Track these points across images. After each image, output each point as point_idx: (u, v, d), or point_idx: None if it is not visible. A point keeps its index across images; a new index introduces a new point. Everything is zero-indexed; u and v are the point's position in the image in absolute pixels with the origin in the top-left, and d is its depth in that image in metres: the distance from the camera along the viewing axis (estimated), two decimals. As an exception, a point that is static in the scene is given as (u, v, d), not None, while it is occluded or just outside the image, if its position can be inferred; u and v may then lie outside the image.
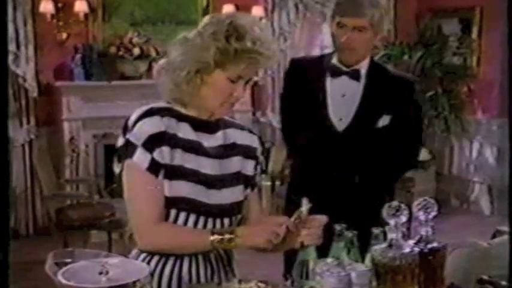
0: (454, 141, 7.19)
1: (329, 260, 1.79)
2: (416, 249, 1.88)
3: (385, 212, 1.84)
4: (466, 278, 2.26)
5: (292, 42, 7.03)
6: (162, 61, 2.03)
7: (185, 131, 1.98)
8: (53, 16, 6.04)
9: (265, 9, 6.85)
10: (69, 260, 1.76)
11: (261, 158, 2.17)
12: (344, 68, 2.78)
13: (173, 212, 1.97)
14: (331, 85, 2.79)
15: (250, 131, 2.17)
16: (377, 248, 1.85)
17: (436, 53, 6.97)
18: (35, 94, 6.01)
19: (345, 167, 2.77)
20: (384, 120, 2.75)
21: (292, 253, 2.48)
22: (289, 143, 3.00)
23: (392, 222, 1.82)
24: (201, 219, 1.99)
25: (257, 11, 6.76)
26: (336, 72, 2.79)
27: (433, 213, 1.91)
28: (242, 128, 2.15)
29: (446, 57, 7.05)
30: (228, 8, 6.58)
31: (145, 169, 1.90)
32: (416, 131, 2.90)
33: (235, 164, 2.08)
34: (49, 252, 1.79)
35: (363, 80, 2.78)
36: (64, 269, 1.71)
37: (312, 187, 2.71)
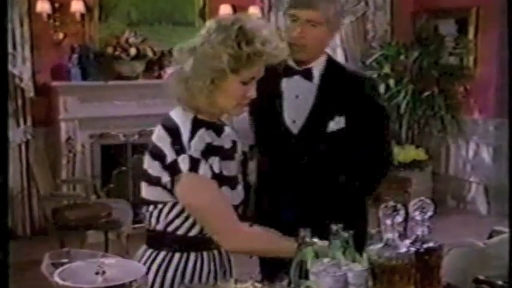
0: (450, 142, 7.20)
1: (325, 260, 1.79)
2: (413, 249, 1.88)
3: (381, 212, 1.84)
4: (462, 278, 2.27)
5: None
6: (171, 69, 2.04)
7: (213, 138, 2.03)
8: (49, 16, 6.04)
9: (262, 9, 6.85)
10: (65, 260, 1.76)
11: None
12: (297, 68, 2.66)
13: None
14: (286, 86, 2.68)
15: (232, 126, 2.23)
16: (373, 248, 1.85)
17: (432, 53, 6.98)
18: (32, 94, 6.00)
19: (302, 170, 2.66)
20: (338, 123, 2.61)
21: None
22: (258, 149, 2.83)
23: (388, 222, 1.83)
24: None
25: (253, 11, 6.75)
26: (290, 72, 2.66)
27: (430, 213, 1.91)
28: (228, 124, 2.20)
29: (442, 58, 7.06)
30: (224, 9, 6.58)
31: (211, 178, 1.96)
32: (378, 132, 2.72)
33: (238, 159, 2.17)
34: (46, 253, 1.80)
35: (316, 80, 2.65)
36: (60, 269, 1.72)
37: (273, 191, 2.69)
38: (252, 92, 2.01)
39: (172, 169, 1.94)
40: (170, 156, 1.94)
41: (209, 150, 1.97)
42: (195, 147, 1.94)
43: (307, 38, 2.57)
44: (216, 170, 1.98)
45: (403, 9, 7.43)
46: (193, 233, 2.05)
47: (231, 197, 2.05)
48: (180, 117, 2.01)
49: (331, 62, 2.72)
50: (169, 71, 2.06)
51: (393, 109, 6.94)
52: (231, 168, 2.08)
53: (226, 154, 2.06)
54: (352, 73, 2.87)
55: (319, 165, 2.65)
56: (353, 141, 2.62)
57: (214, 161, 1.98)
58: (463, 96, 7.00)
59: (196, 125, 1.99)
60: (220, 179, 2.00)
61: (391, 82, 6.92)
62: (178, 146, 1.94)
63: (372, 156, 2.68)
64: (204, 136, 1.98)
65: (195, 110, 2.02)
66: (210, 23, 1.99)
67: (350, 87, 2.67)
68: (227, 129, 2.15)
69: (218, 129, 2.08)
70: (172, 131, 1.97)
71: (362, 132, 2.63)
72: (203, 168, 1.94)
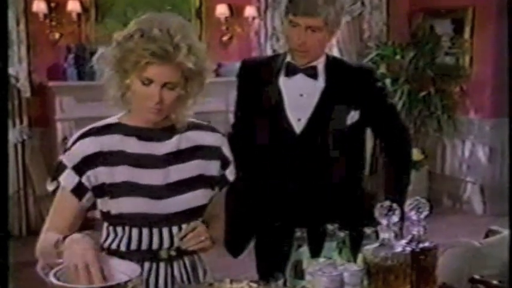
0: (446, 141, 7.21)
1: (321, 260, 1.80)
2: (408, 248, 1.88)
3: (377, 211, 1.85)
4: (458, 277, 2.27)
5: (285, 42, 7.02)
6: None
7: (133, 146, 1.98)
8: (45, 16, 6.03)
9: (258, 9, 6.85)
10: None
11: (228, 156, 2.12)
12: (299, 66, 2.61)
13: (124, 228, 2.00)
14: (287, 84, 2.62)
15: (214, 130, 2.12)
16: (369, 248, 1.85)
17: (428, 53, 6.98)
18: (28, 94, 5.98)
19: (304, 171, 2.62)
20: (352, 117, 2.60)
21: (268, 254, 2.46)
22: (240, 150, 2.52)
23: (384, 221, 1.83)
24: (155, 231, 1.98)
25: (250, 10, 6.76)
26: (291, 71, 2.62)
27: (425, 213, 1.92)
28: (204, 129, 2.11)
29: (438, 57, 7.06)
30: (220, 8, 6.58)
31: (69, 191, 1.95)
32: (394, 119, 2.79)
33: (194, 167, 2.03)
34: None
35: (321, 77, 2.61)
36: (56, 269, 1.72)
37: (271, 191, 2.66)
38: (154, 96, 1.90)
39: (52, 174, 2.02)
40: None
41: (94, 160, 1.93)
42: (70, 153, 1.95)
43: (309, 43, 2.54)
44: (92, 183, 1.94)
45: (399, 9, 7.43)
46: (133, 247, 2.00)
47: (149, 206, 1.95)
48: (89, 126, 2.02)
49: (329, 58, 2.71)
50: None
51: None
52: (156, 177, 1.97)
53: (145, 162, 1.97)
54: (353, 64, 2.91)
55: (321, 163, 2.63)
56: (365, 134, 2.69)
57: (106, 171, 1.93)
58: (459, 96, 7.00)
59: (94, 132, 1.98)
60: (120, 189, 1.94)
61: (387, 82, 6.91)
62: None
63: (396, 137, 2.77)
64: (93, 145, 1.94)
65: (128, 116, 2.02)
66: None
67: (355, 79, 2.66)
68: (190, 133, 2.05)
69: (151, 135, 2.00)
70: None
71: (379, 121, 2.70)
72: (65, 177, 1.95)
